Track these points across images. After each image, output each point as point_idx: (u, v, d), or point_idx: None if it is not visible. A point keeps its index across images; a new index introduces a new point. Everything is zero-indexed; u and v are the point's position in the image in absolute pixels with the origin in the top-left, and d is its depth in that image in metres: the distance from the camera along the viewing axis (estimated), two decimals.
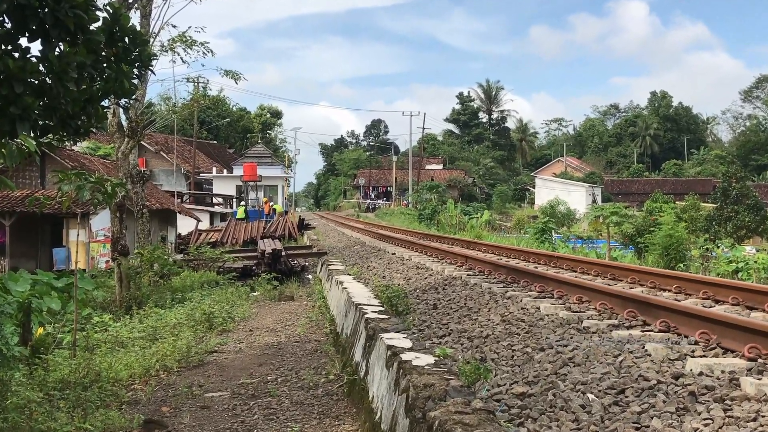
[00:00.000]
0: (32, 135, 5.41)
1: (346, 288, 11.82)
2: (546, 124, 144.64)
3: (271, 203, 46.27)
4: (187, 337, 11.46)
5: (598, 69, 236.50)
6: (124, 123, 17.62)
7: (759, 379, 4.44)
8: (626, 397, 4.49)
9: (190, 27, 19.60)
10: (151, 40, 17.47)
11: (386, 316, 8.36)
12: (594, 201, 77.32)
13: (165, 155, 55.87)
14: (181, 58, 19.63)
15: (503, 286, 9.93)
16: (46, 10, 4.72)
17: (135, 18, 17.04)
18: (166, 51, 19.22)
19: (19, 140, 5.66)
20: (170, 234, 31.02)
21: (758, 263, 19.60)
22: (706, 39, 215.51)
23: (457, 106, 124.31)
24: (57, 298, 12.47)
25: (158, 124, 24.58)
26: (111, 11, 5.33)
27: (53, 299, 12.34)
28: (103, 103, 5.80)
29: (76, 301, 10.37)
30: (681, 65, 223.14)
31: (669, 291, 9.15)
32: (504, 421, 4.28)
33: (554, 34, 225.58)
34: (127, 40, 5.50)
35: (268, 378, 9.40)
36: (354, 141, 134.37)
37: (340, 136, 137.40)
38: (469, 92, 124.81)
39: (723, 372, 4.81)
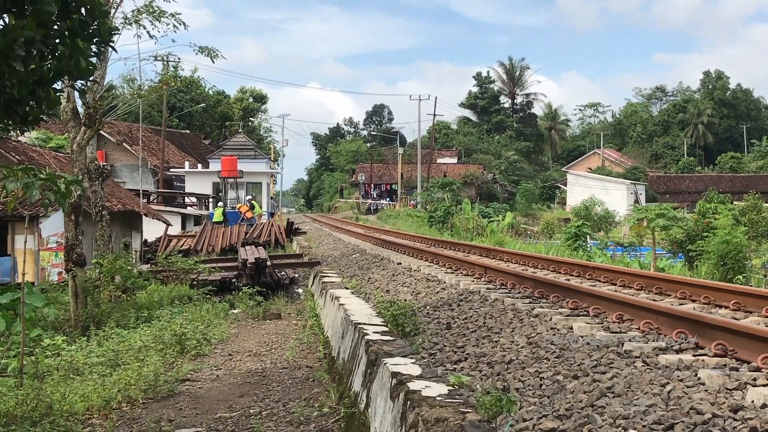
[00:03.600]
0: None
1: (343, 304, 11.82)
2: (579, 109, 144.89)
3: (249, 203, 45.58)
4: (154, 362, 11.47)
5: (638, 43, 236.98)
6: (81, 109, 17.63)
7: None
8: None
9: None
10: (112, 11, 17.51)
11: (391, 338, 8.36)
12: (637, 201, 77.36)
13: (129, 147, 56.00)
14: (148, 33, 19.65)
15: (529, 302, 9.92)
16: None
17: None
18: (130, 24, 19.23)
19: None
20: (135, 240, 31.06)
21: None
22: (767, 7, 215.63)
23: (475, 89, 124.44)
24: (0, 317, 12.48)
25: (121, 110, 24.59)
26: None
27: None
28: (55, 85, 5.81)
29: (24, 320, 10.37)
30: (739, 39, 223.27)
31: (726, 308, 9.12)
32: None
33: (586, 3, 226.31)
34: (83, 11, 5.50)
35: (251, 411, 9.40)
36: (352, 130, 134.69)
37: (335, 124, 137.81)
38: (488, 72, 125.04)
39: None
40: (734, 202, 51.33)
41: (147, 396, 10.23)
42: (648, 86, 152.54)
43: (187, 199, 54.31)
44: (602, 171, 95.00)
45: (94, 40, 5.74)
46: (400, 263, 18.20)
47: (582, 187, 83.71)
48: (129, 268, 19.25)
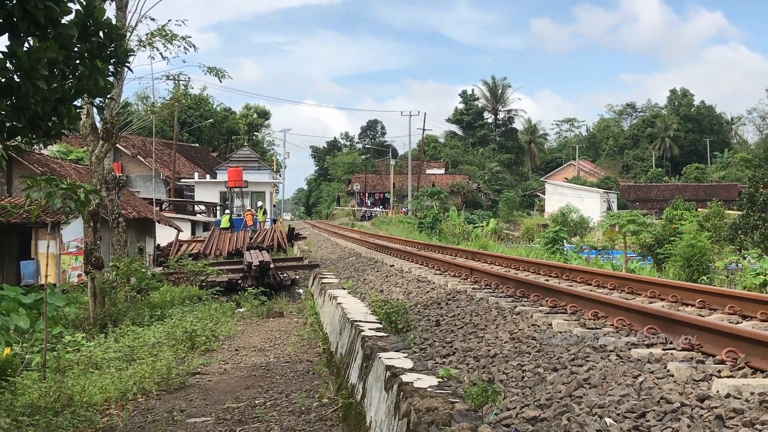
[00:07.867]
0: None
1: (340, 303, 11.80)
2: (557, 124, 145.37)
3: (254, 210, 45.76)
4: (167, 357, 11.43)
5: (606, 64, 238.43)
6: (99, 124, 17.59)
7: None
8: (647, 421, 4.47)
9: (170, 20, 19.61)
10: (128, 34, 17.47)
11: (385, 334, 8.34)
12: (609, 208, 77.50)
13: (142, 159, 55.88)
14: (161, 54, 19.65)
15: (512, 301, 9.91)
16: (14, 1, 4.71)
17: (110, 10, 17.07)
18: (144, 46, 19.22)
19: None
20: (148, 245, 30.96)
21: None
22: (726, 30, 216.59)
23: (461, 106, 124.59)
24: (25, 316, 12.41)
25: (135, 125, 24.50)
26: (84, 3, 5.32)
27: (21, 317, 12.28)
28: (75, 102, 5.79)
29: (47, 319, 10.34)
30: (701, 60, 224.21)
31: (692, 306, 9.13)
32: None
33: (559, 27, 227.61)
34: (101, 34, 5.49)
35: (256, 402, 9.37)
36: (348, 143, 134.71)
37: (333, 138, 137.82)
38: (473, 90, 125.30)
39: (752, 394, 4.79)
40: (698, 209, 51.40)
41: (160, 388, 10.20)
42: (619, 103, 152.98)
43: (196, 207, 54.25)
44: (577, 181, 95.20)
45: (112, 61, 5.73)
46: (393, 265, 18.18)
47: (559, 195, 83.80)
48: (143, 270, 19.19)
